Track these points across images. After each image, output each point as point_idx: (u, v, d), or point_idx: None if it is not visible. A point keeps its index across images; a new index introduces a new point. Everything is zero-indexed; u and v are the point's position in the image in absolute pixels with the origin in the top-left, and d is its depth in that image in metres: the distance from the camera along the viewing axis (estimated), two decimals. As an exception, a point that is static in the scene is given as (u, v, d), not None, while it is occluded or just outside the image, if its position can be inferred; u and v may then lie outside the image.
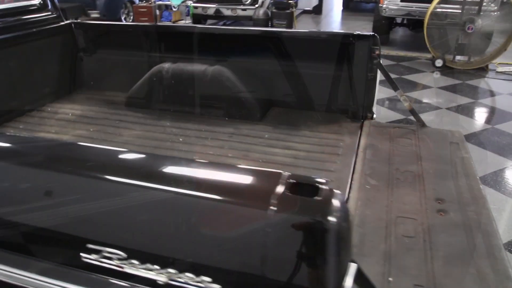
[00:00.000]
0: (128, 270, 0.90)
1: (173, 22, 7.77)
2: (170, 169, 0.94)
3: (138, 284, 0.91)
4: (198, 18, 8.29)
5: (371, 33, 2.40)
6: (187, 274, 0.86)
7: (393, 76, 5.98)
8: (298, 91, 2.70)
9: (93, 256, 0.93)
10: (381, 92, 5.33)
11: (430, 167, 2.03)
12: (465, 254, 1.46)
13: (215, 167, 0.94)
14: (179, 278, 0.87)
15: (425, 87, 5.67)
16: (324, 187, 0.84)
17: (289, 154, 2.17)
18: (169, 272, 0.87)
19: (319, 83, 2.64)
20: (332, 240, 0.77)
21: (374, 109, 2.60)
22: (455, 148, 2.22)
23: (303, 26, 9.37)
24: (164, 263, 0.87)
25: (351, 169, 2.01)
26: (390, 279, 1.36)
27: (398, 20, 7.67)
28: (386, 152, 2.17)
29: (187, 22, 7.74)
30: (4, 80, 2.51)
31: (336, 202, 0.81)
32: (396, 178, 1.94)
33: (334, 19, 10.46)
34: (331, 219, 0.78)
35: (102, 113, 2.68)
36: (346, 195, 1.80)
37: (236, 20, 8.34)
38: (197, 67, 2.60)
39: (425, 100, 5.13)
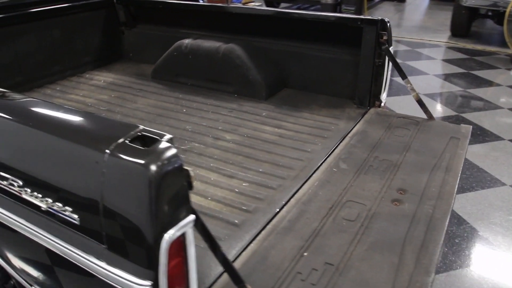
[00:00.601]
0: (24, 196, 1.09)
1: (243, 4, 7.94)
2: (40, 111, 1.11)
3: (29, 207, 1.09)
4: (270, 0, 8.38)
5: (379, 18, 2.33)
6: (57, 203, 1.02)
7: (460, 71, 5.67)
8: (310, 73, 2.72)
9: (4, 182, 1.13)
10: (444, 87, 5.05)
11: (413, 158, 1.96)
12: (397, 243, 1.44)
13: (80, 113, 1.08)
14: (53, 206, 1.03)
15: (493, 84, 5.21)
16: (163, 141, 0.93)
17: (276, 132, 2.22)
18: (47, 201, 1.04)
19: (329, 67, 2.63)
20: (153, 187, 0.87)
21: (384, 96, 2.53)
22: (453, 143, 2.11)
23: (379, 13, 9.01)
24: (43, 193, 1.04)
25: (328, 152, 2.02)
26: (305, 253, 1.40)
27: (483, 12, 7.04)
28: (375, 140, 2.13)
29: (256, 4, 7.87)
30: (48, 47, 2.87)
31: (166, 155, 0.90)
32: (369, 165, 1.91)
33: (417, 9, 9.86)
34: (153, 168, 0.87)
35: (129, 82, 2.94)
36: (308, 175, 1.83)
37: (309, 4, 8.28)
38: (212, 44, 2.73)
39: (487, 98, 4.73)
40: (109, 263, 0.98)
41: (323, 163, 1.93)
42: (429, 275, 1.31)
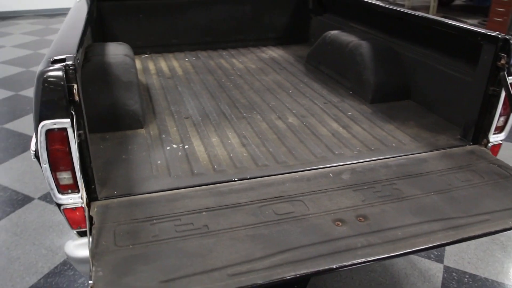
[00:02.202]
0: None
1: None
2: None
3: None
4: None
5: (503, 35, 1.84)
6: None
7: None
8: (432, 88, 2.38)
9: None
10: None
11: (433, 201, 1.62)
12: (278, 247, 1.36)
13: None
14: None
15: None
16: (64, 64, 1.34)
17: (334, 130, 2.16)
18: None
19: (450, 86, 2.24)
20: (40, 88, 1.32)
21: (497, 137, 2.00)
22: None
23: None
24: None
25: (350, 161, 1.88)
26: (204, 213, 1.53)
27: None
28: (421, 171, 1.82)
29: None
30: (238, 18, 3.52)
31: (56, 72, 1.32)
32: (371, 187, 1.71)
33: None
34: (43, 75, 1.32)
35: (284, 61, 3.29)
36: (300, 169, 1.81)
37: None
38: (347, 38, 2.74)
39: None
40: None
41: (329, 167, 1.84)
42: (251, 281, 1.24)
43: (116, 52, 2.30)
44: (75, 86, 1.37)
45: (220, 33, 3.54)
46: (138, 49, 3.37)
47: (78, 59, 1.46)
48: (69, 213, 1.52)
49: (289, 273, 1.27)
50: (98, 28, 3.16)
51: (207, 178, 1.75)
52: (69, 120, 1.37)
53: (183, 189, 1.67)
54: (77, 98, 1.38)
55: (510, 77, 1.85)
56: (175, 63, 3.20)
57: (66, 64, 1.36)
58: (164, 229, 1.45)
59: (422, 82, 2.44)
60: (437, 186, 1.72)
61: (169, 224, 1.47)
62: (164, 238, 1.41)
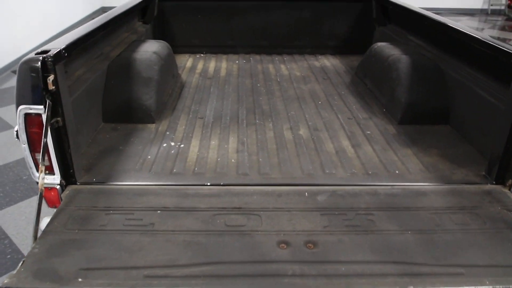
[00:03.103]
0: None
1: None
2: None
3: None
4: None
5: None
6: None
7: None
8: (469, 115, 2.08)
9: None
10: None
11: (398, 241, 1.43)
12: (201, 258, 1.34)
13: None
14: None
15: None
16: (44, 55, 1.47)
17: (341, 148, 2.01)
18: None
19: (486, 112, 1.94)
20: (21, 75, 1.46)
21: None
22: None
23: None
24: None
25: (338, 182, 1.75)
26: (159, 212, 1.55)
27: None
28: (408, 205, 1.62)
29: None
30: (294, 24, 3.45)
31: (35, 62, 1.44)
32: (343, 214, 1.57)
33: None
34: (23, 64, 1.46)
35: (333, 71, 3.15)
36: (276, 183, 1.73)
37: None
38: (390, 51, 2.52)
39: None
40: None
41: (309, 186, 1.73)
42: (160, 286, 1.22)
43: (147, 49, 2.44)
44: (51, 77, 1.49)
45: (277, 38, 3.52)
46: (194, 48, 3.52)
47: (65, 52, 1.58)
48: (45, 193, 1.66)
49: (199, 287, 1.23)
50: (158, 26, 3.37)
51: (182, 179, 1.76)
52: (42, 106, 1.50)
53: (153, 186, 1.71)
54: (51, 87, 1.50)
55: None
56: (223, 65, 3.27)
57: (45, 56, 1.49)
58: (114, 221, 1.50)
59: (461, 106, 2.15)
60: (420, 224, 1.51)
61: (121, 216, 1.53)
62: (109, 228, 1.46)
